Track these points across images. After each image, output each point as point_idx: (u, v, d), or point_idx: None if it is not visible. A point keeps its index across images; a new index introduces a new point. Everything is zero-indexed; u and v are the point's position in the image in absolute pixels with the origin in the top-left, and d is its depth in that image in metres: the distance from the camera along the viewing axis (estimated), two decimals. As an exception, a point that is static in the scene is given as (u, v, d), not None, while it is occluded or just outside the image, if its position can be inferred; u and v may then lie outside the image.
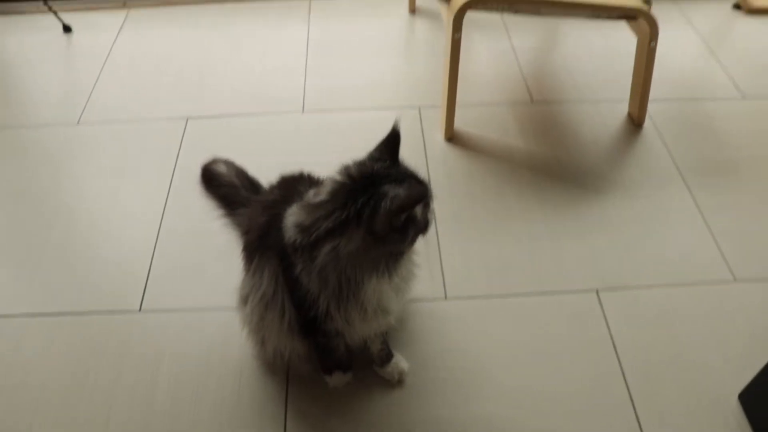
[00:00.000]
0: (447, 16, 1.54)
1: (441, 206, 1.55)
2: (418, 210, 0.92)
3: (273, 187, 1.19)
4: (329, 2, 2.28)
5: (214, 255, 1.44)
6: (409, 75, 1.96)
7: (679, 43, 2.13)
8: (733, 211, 1.56)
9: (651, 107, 1.83)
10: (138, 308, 1.35)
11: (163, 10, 2.26)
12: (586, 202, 1.58)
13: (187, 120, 1.81)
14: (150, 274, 1.41)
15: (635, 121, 1.79)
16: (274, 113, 1.83)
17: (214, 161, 1.59)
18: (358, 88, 1.91)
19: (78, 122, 1.81)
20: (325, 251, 0.92)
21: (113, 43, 2.11)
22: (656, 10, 2.37)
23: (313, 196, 0.95)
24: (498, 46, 2.08)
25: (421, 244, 0.97)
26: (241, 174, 1.53)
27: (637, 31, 1.63)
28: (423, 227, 0.95)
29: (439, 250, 1.46)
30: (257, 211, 1.14)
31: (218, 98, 1.88)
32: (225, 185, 1.55)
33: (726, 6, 2.29)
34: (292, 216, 0.97)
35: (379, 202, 0.88)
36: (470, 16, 1.59)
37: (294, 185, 1.11)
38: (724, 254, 1.45)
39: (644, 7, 1.52)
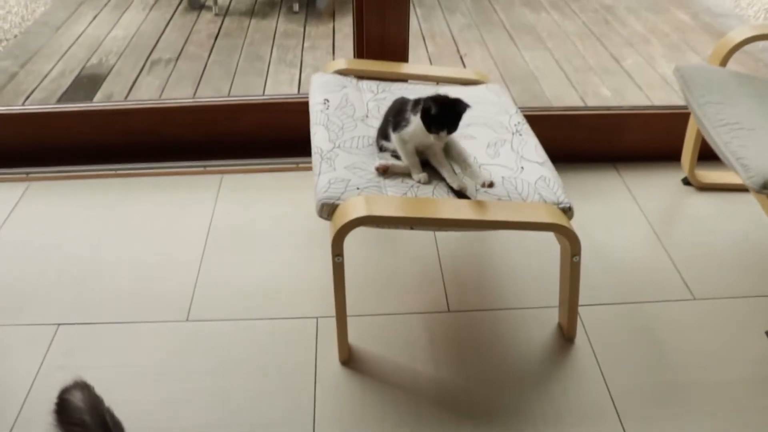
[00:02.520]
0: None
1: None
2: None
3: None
4: (244, 177, 2.13)
5: None
6: (311, 275, 1.74)
7: (623, 228, 1.93)
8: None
9: (587, 312, 1.61)
10: None
11: (65, 184, 2.09)
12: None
13: (57, 327, 1.59)
14: None
15: (565, 335, 1.57)
16: (156, 322, 1.61)
17: (73, 387, 1.34)
18: (254, 290, 1.70)
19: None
20: None
21: (1, 225, 1.93)
22: (599, 186, 2.25)
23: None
24: (416, 241, 1.90)
25: None
26: (97, 412, 1.29)
27: (559, 242, 1.44)
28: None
29: None
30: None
31: (98, 299, 1.66)
32: (75, 424, 1.31)
33: (675, 180, 2.14)
34: None
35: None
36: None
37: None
38: None
39: (562, 221, 1.33)
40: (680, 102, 2.92)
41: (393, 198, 1.34)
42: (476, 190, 1.38)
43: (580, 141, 2.20)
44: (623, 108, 2.30)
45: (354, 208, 1.29)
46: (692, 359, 1.53)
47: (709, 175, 2.09)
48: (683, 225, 1.97)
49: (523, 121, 1.66)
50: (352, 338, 1.55)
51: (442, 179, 1.41)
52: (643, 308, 1.67)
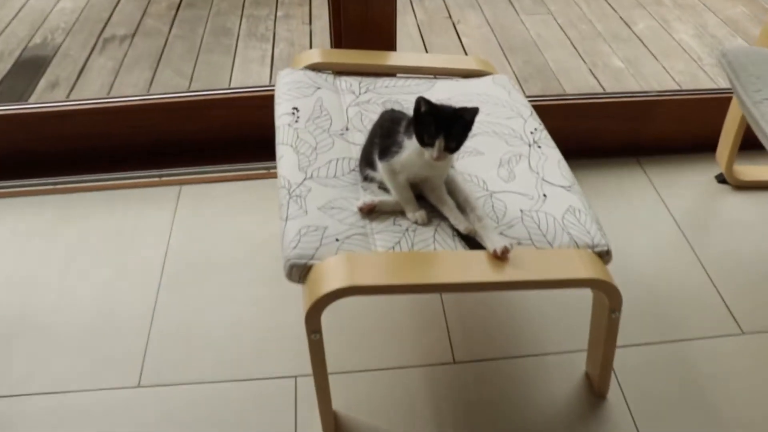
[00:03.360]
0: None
1: None
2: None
3: None
4: (207, 189, 1.81)
5: None
6: (287, 320, 1.42)
7: (649, 236, 1.65)
8: None
9: (617, 356, 1.34)
10: None
11: (6, 202, 1.77)
12: None
13: (-23, 398, 1.30)
14: None
15: (596, 391, 1.29)
16: (99, 389, 1.30)
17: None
18: (219, 342, 1.40)
19: None
20: None
21: None
22: (620, 183, 1.89)
23: None
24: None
25: None
26: None
27: (593, 293, 1.16)
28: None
29: None
30: None
31: (24, 363, 1.36)
32: None
33: (708, 177, 1.85)
34: None
35: None
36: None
37: None
38: None
39: (601, 274, 1.03)
40: (709, 82, 2.62)
41: (383, 257, 1.03)
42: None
43: (597, 131, 1.90)
44: (648, 93, 1.98)
45: (333, 272, 0.99)
46: (746, 413, 1.27)
47: (749, 171, 1.79)
48: (720, 233, 1.68)
49: (541, 125, 1.35)
50: (338, 402, 1.26)
51: (443, 217, 1.11)
52: (682, 348, 1.38)
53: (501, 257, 1.01)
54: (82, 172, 1.81)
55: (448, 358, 1.36)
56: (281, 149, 1.22)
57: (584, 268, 1.04)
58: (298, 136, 1.24)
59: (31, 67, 2.77)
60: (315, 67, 1.47)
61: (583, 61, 2.76)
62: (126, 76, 2.70)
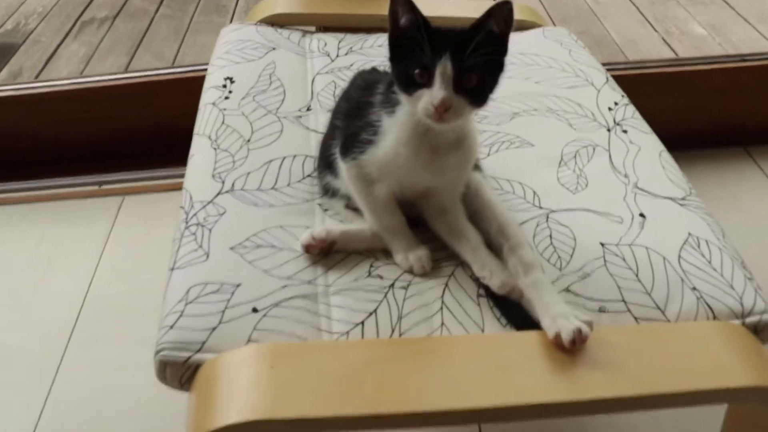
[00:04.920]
0: None
1: None
2: None
3: None
4: (154, 200, 1.35)
5: None
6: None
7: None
8: None
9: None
10: None
11: None
12: None
13: None
14: None
15: None
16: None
17: None
18: (133, 419, 0.95)
19: None
20: None
21: None
22: (725, 180, 1.33)
23: None
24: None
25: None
26: None
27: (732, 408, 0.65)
28: None
29: None
30: None
31: None
32: None
33: None
34: None
35: None
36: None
37: None
38: None
39: (762, 380, 0.54)
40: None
41: (342, 351, 0.53)
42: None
43: (690, 112, 1.37)
44: (763, 55, 1.44)
45: (236, 384, 0.49)
46: None
47: None
48: None
49: (624, 97, 0.85)
50: None
51: (460, 261, 0.62)
52: None
53: (570, 347, 0.53)
54: (-4, 181, 1.39)
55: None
56: (195, 144, 0.75)
57: (735, 363, 0.54)
58: (223, 122, 0.76)
59: (-7, 57, 2.40)
60: (277, 21, 1.00)
61: (654, 29, 2.22)
62: (98, 63, 2.29)
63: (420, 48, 0.55)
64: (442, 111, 0.54)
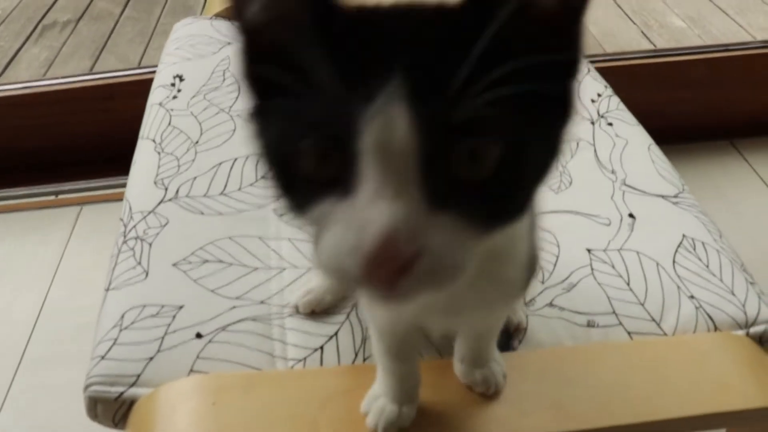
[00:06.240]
0: None
1: None
2: None
3: None
4: (116, 209, 1.28)
5: None
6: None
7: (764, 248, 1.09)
8: None
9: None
10: None
11: None
12: None
13: None
14: None
15: None
16: None
17: None
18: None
19: None
20: None
21: None
22: (710, 175, 1.25)
23: None
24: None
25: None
26: None
27: None
28: None
29: None
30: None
31: None
32: None
33: None
34: None
35: None
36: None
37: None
38: None
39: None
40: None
41: (296, 381, 0.46)
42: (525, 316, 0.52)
43: (673, 104, 1.32)
44: (747, 45, 1.39)
45: (174, 421, 0.43)
46: None
47: None
48: None
49: (607, 88, 0.79)
50: None
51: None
52: None
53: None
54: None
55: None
56: (138, 148, 0.68)
57: (741, 381, 0.48)
58: (169, 123, 0.69)
59: (-55, 64, 2.30)
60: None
61: (632, 21, 2.18)
62: (60, 67, 2.20)
63: (316, 75, 0.26)
64: (393, 270, 0.25)
